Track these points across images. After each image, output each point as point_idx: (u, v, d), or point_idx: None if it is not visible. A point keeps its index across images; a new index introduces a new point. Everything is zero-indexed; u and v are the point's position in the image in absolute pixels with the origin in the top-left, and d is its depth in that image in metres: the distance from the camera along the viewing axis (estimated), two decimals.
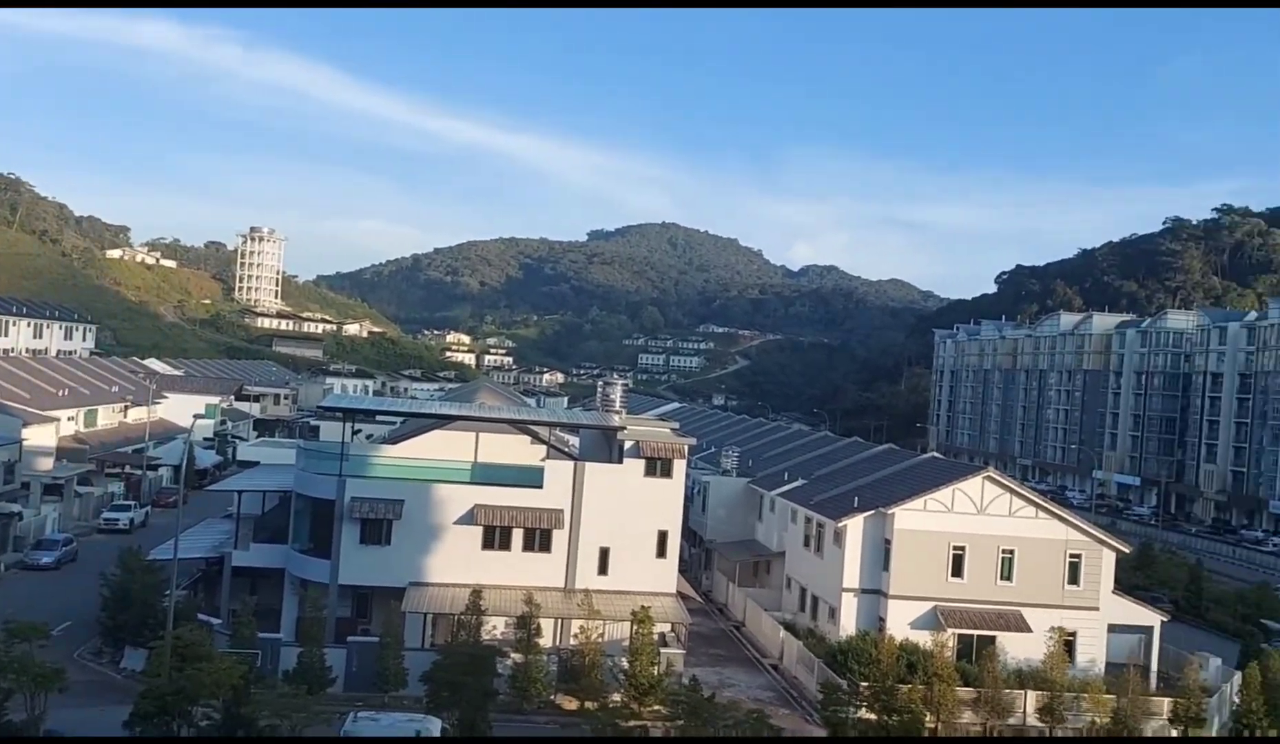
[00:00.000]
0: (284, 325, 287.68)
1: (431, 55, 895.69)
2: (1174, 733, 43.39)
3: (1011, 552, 48.36)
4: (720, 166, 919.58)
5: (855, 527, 49.03)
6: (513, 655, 41.04)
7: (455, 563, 45.41)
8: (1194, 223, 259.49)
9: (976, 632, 47.12)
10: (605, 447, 52.51)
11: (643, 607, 41.87)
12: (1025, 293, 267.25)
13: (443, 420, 51.89)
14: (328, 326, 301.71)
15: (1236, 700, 44.84)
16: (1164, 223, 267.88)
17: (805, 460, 67.63)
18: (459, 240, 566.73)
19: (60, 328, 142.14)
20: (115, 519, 71.55)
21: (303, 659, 39.13)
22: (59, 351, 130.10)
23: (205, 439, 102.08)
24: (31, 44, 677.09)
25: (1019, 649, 46.57)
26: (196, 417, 64.94)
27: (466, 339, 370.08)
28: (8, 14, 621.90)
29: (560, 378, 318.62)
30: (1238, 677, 45.95)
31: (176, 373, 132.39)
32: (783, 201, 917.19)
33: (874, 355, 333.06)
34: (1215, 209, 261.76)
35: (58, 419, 78.34)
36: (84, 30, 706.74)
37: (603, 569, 46.66)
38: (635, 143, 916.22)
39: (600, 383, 58.41)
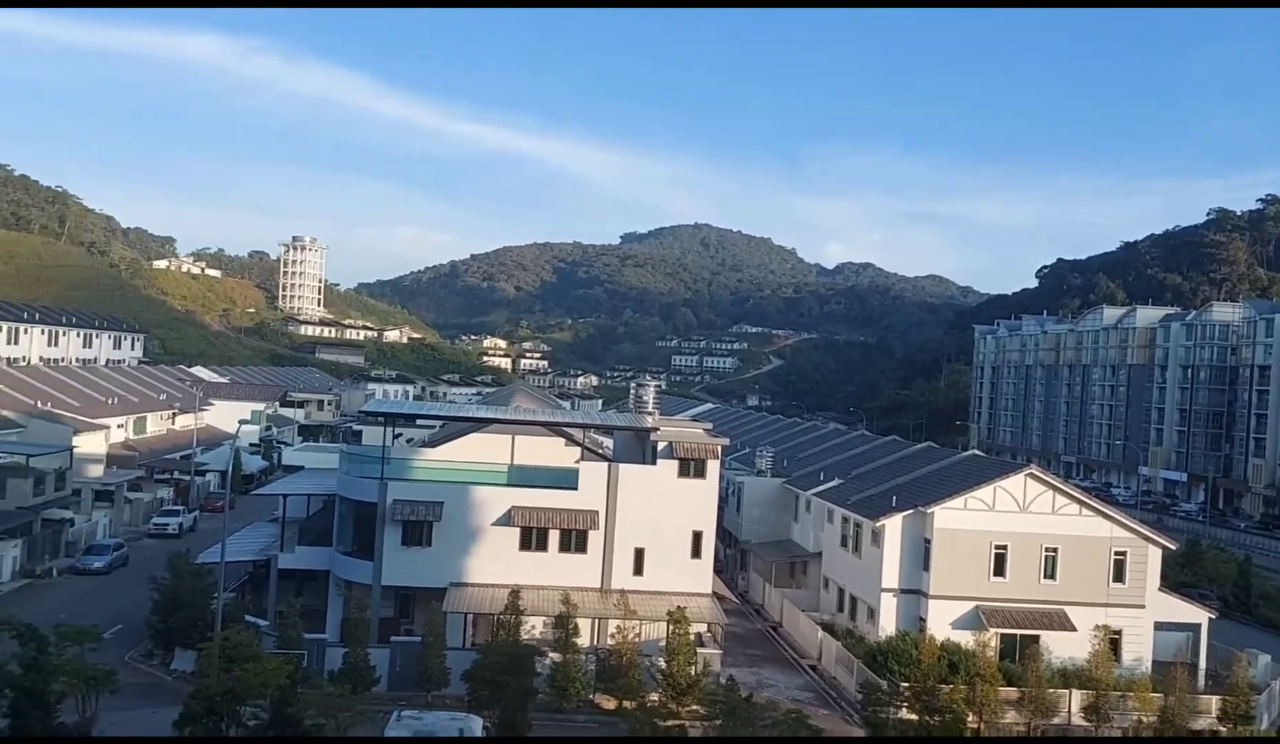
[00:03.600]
0: (326, 332, 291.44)
1: (462, 60, 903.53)
2: (1223, 731, 42.79)
3: (1055, 550, 47.88)
4: (751, 166, 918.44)
5: (894, 526, 48.79)
6: (551, 655, 41.29)
7: (494, 563, 45.78)
8: (1238, 214, 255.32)
9: (1019, 631, 46.67)
10: (639, 448, 52.68)
11: (679, 607, 41.84)
12: (1067, 287, 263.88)
13: (480, 424, 52.33)
14: (369, 333, 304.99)
15: None
16: (1208, 214, 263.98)
17: (841, 460, 67.33)
18: (494, 246, 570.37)
19: (109, 337, 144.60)
20: (164, 524, 72.67)
21: (347, 659, 39.68)
22: (108, 361, 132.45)
23: (251, 445, 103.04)
24: (77, 59, 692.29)
25: (1063, 648, 46.10)
26: (242, 423, 65.92)
27: (503, 343, 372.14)
28: (57, 31, 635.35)
29: (594, 380, 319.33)
30: None
31: (222, 380, 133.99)
32: (814, 199, 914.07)
33: (912, 352, 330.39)
34: (1260, 200, 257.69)
35: (107, 427, 79.64)
36: (129, 45, 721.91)
37: (638, 570, 46.80)
38: (666, 144, 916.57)
39: (633, 385, 58.64)
